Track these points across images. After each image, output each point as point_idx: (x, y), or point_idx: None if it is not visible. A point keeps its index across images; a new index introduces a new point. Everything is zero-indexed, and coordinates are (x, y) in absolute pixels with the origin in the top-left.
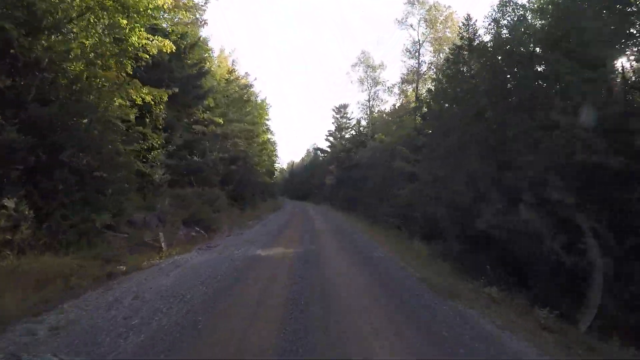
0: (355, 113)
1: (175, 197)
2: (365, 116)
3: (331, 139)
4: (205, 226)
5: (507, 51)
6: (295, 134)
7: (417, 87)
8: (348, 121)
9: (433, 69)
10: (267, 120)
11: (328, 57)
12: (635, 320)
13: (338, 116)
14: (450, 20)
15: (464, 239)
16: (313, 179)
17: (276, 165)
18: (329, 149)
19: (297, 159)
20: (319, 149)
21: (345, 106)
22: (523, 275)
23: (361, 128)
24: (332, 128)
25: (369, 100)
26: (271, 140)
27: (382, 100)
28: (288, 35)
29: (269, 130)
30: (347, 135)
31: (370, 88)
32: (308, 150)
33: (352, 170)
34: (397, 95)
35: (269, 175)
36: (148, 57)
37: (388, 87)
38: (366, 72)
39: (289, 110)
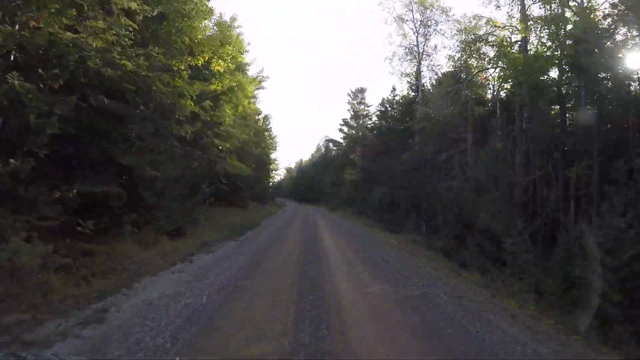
0: (395, 63)
1: None
2: (410, 71)
3: (345, 128)
4: None
5: None
6: (297, 132)
7: None
8: (366, 108)
9: None
10: (245, 56)
11: (323, 47)
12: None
13: (354, 102)
14: None
15: None
16: (324, 177)
17: (275, 157)
18: (342, 141)
19: (306, 157)
20: (331, 140)
21: (362, 90)
22: None
23: (397, 96)
24: (347, 116)
25: (417, 45)
26: (255, 96)
27: (441, 32)
28: (284, 24)
29: (243, 68)
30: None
31: (417, 29)
32: (318, 145)
33: (396, 155)
34: None
35: (258, 163)
36: None
37: None
38: (409, 3)
39: (289, 111)
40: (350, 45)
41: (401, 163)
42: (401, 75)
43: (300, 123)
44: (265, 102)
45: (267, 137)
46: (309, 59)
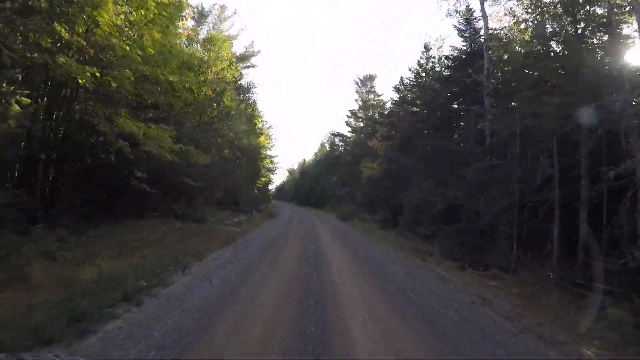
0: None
1: None
2: (460, 8)
3: (352, 121)
4: None
5: None
6: (299, 133)
7: None
8: (377, 97)
9: None
10: None
11: (317, 32)
12: None
13: (363, 90)
14: None
15: None
16: (331, 177)
17: (272, 153)
18: (350, 134)
19: (309, 157)
20: (337, 134)
21: (372, 78)
22: None
23: (433, 58)
24: (355, 107)
25: None
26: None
27: None
28: (277, 8)
29: None
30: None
31: None
32: (322, 142)
33: (447, 134)
34: None
35: (235, 152)
36: None
37: None
38: None
39: (289, 111)
40: (344, 30)
41: (458, 144)
42: (449, 14)
43: (301, 122)
44: (264, 101)
45: (250, 114)
46: (303, 46)
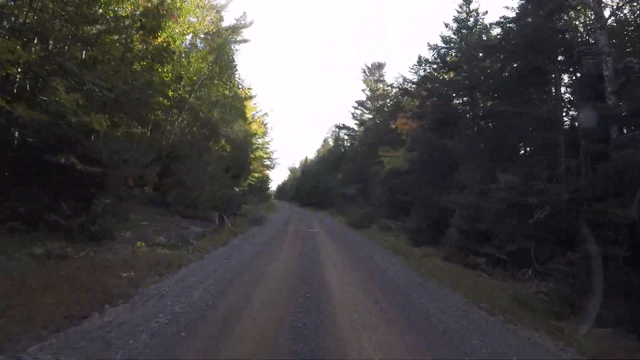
0: None
1: None
2: None
3: (359, 113)
4: None
5: None
6: (301, 134)
7: None
8: (386, 87)
9: None
10: None
11: (311, 12)
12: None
13: (371, 78)
14: None
15: None
16: (337, 174)
17: (270, 147)
18: (357, 128)
19: (312, 155)
20: (342, 126)
21: (380, 66)
22: None
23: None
24: (362, 97)
25: None
26: None
27: None
28: None
29: None
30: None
31: None
32: (325, 138)
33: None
34: None
35: (206, 126)
36: None
37: None
38: None
39: (290, 109)
40: (337, 8)
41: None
42: None
43: (302, 119)
44: (260, 88)
45: (228, 80)
46: (297, 27)
